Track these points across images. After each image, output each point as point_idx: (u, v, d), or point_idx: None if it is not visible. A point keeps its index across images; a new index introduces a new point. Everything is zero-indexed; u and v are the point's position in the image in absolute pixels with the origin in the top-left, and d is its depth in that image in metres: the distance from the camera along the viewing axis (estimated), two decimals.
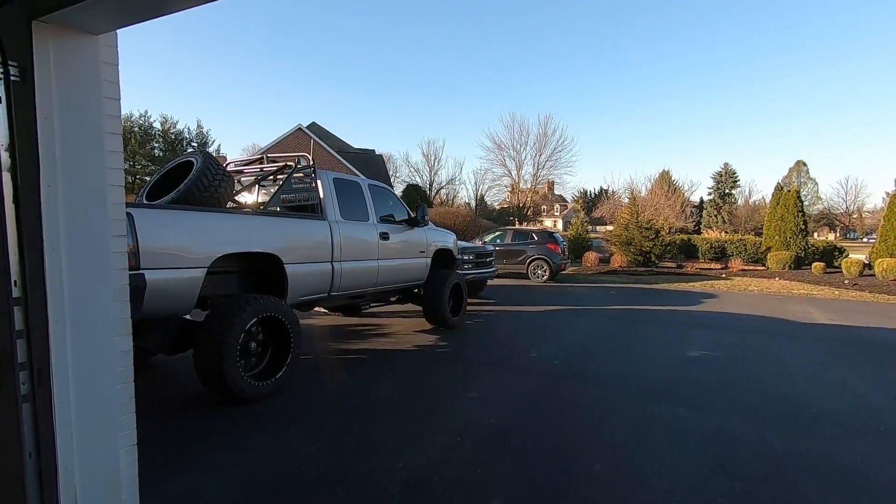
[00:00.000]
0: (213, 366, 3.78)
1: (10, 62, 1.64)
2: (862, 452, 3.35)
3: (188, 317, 4.31)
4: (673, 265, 21.94)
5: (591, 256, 21.16)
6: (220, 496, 2.68)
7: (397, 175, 45.80)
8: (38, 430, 1.76)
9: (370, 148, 34.93)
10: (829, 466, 3.13)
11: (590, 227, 30.00)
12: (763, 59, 72.94)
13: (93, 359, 1.87)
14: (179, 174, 4.63)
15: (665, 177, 40.55)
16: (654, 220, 22.53)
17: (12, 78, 1.65)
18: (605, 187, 45.14)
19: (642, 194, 33.50)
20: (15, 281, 1.69)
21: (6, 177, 1.66)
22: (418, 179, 44.94)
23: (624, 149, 79.87)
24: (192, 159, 4.60)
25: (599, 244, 24.81)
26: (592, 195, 55.09)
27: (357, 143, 34.81)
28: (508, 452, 3.26)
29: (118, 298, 1.99)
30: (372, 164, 30.02)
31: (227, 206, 4.92)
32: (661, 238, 20.90)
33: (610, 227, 29.48)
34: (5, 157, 1.66)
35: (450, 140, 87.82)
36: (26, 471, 1.74)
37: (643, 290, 13.60)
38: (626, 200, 30.69)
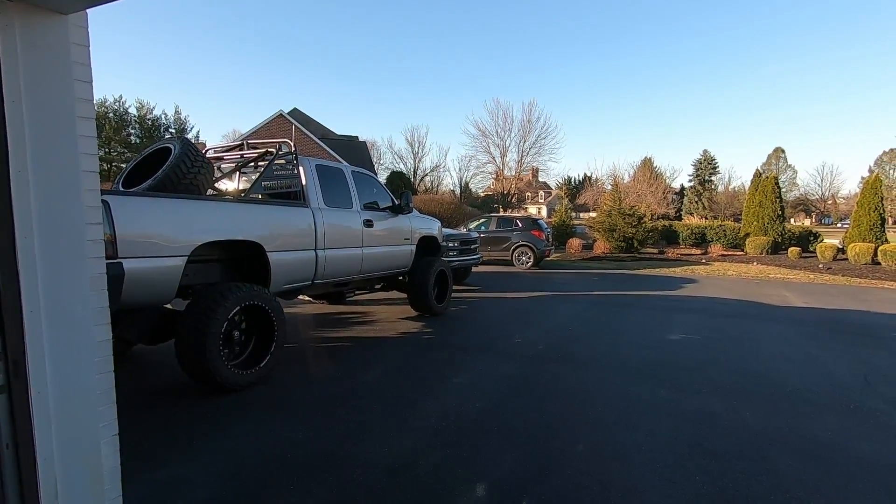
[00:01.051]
0: (196, 355, 3.74)
1: None
2: (832, 428, 3.48)
3: (169, 306, 4.25)
4: (655, 251, 22.27)
5: (574, 243, 21.34)
6: (207, 483, 2.68)
7: (381, 162, 45.40)
8: (14, 422, 1.73)
9: (353, 134, 34.51)
10: (800, 442, 3.24)
11: (573, 213, 30.22)
12: (742, 47, 73.66)
13: (70, 349, 1.83)
14: (156, 161, 4.52)
15: (647, 164, 40.94)
16: (637, 207, 22.79)
17: None
18: (588, 174, 45.36)
19: (625, 181, 33.84)
20: None
21: None
22: (402, 166, 44.64)
23: (607, 136, 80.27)
24: (169, 145, 4.49)
25: (583, 231, 25.05)
26: (576, 182, 55.33)
27: (340, 129, 34.36)
28: (493, 435, 3.30)
29: (95, 287, 1.95)
30: (355, 150, 29.68)
31: (207, 193, 4.82)
32: (643, 224, 21.16)
33: (593, 214, 29.73)
34: None
35: (434, 127, 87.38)
36: (4, 462, 1.71)
37: (626, 276, 13.80)
38: (610, 187, 30.94)
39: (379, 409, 3.74)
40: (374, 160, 39.65)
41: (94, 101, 2.03)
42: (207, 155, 5.66)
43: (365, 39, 70.57)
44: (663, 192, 34.09)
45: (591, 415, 3.69)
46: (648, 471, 2.84)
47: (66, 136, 1.81)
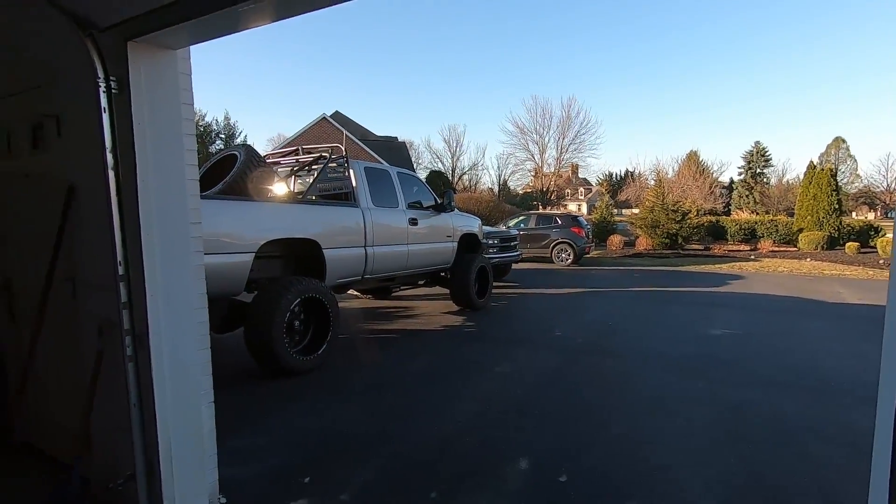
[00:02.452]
0: (263, 342, 4.15)
1: (111, 77, 1.96)
2: (872, 418, 3.50)
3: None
4: (700, 247, 21.68)
5: (615, 240, 21.09)
6: (278, 451, 3.04)
7: (420, 161, 45.89)
8: (140, 385, 2.11)
9: (393, 135, 35.15)
10: (837, 431, 3.30)
11: (615, 210, 29.75)
12: (794, 28, 69.45)
13: (180, 327, 2.20)
14: (218, 166, 4.99)
15: (693, 157, 39.67)
16: (682, 202, 22.24)
17: (113, 91, 1.97)
18: (630, 169, 44.46)
19: (669, 176, 32.96)
20: (120, 261, 2.04)
21: (111, 174, 1.99)
22: (440, 165, 44.98)
23: (650, 131, 77.88)
24: (235, 152, 4.94)
25: (624, 227, 24.66)
26: (618, 178, 54.23)
27: (379, 130, 35.05)
28: (534, 418, 3.53)
29: (196, 277, 2.33)
30: (395, 151, 30.26)
31: (267, 195, 5.26)
32: (688, 220, 20.66)
33: (635, 210, 29.17)
34: (110, 157, 1.99)
35: (471, 125, 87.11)
36: (133, 418, 2.10)
37: (668, 273, 13.60)
38: (652, 183, 30.25)
39: (425, 394, 4.04)
40: (413, 160, 40.21)
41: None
42: (267, 160, 6.12)
43: (402, 41, 71.38)
44: (710, 187, 32.97)
45: (629, 403, 3.85)
46: (682, 453, 2.99)
47: (176, 150, 2.18)
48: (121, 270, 2.03)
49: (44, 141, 2.47)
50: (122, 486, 2.16)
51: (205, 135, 47.80)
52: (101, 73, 1.95)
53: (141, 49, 2.00)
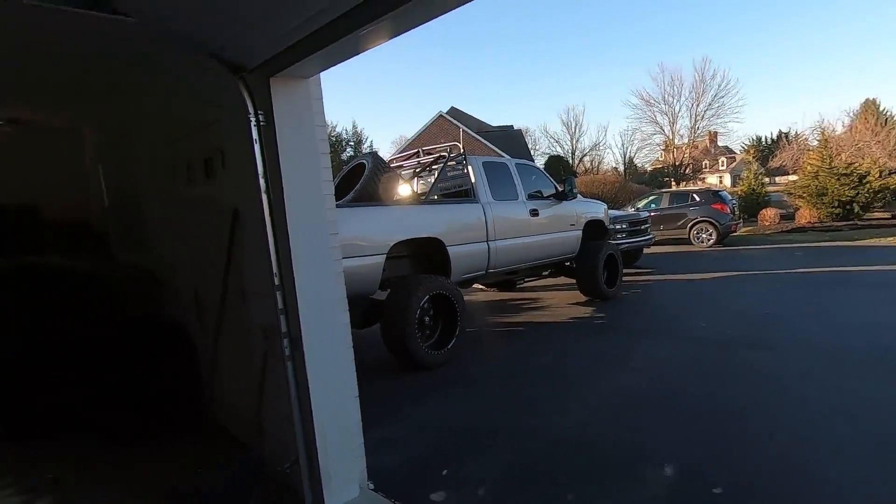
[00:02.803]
0: (398, 338, 4.42)
1: (259, 112, 2.23)
2: None
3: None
4: (885, 216, 17.99)
5: (769, 213, 18.49)
6: (415, 442, 3.22)
7: (537, 148, 44.84)
8: (297, 382, 2.38)
9: (508, 124, 34.86)
10: None
11: (766, 179, 25.98)
12: None
13: (326, 328, 2.43)
14: (351, 175, 5.39)
15: (870, 107, 33.02)
16: (857, 164, 18.65)
17: (261, 124, 2.23)
18: (784, 130, 38.46)
19: (838, 133, 27.84)
20: (275, 272, 2.31)
21: (264, 197, 2.27)
22: (559, 149, 43.49)
23: (807, 82, 66.32)
24: (363, 161, 5.31)
25: (780, 198, 21.47)
26: (768, 142, 47.34)
27: (494, 121, 34.98)
28: (676, 420, 3.24)
29: (336, 282, 2.55)
30: (511, 140, 29.98)
31: (394, 198, 5.57)
32: (867, 184, 17.25)
33: (793, 178, 25.21)
34: (262, 183, 2.26)
35: (590, 104, 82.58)
36: (294, 413, 2.38)
37: (840, 249, 11.55)
38: (815, 143, 25.82)
39: (555, 389, 3.95)
40: (530, 146, 39.47)
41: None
42: (391, 165, 6.49)
43: (512, 24, 70.03)
44: None
45: (790, 406, 3.33)
46: (853, 466, 2.51)
47: (314, 169, 2.40)
48: (276, 281, 2.31)
49: (213, 171, 2.90)
50: (289, 469, 2.47)
51: (336, 144, 52.16)
52: (251, 109, 2.23)
53: (280, 83, 2.24)
